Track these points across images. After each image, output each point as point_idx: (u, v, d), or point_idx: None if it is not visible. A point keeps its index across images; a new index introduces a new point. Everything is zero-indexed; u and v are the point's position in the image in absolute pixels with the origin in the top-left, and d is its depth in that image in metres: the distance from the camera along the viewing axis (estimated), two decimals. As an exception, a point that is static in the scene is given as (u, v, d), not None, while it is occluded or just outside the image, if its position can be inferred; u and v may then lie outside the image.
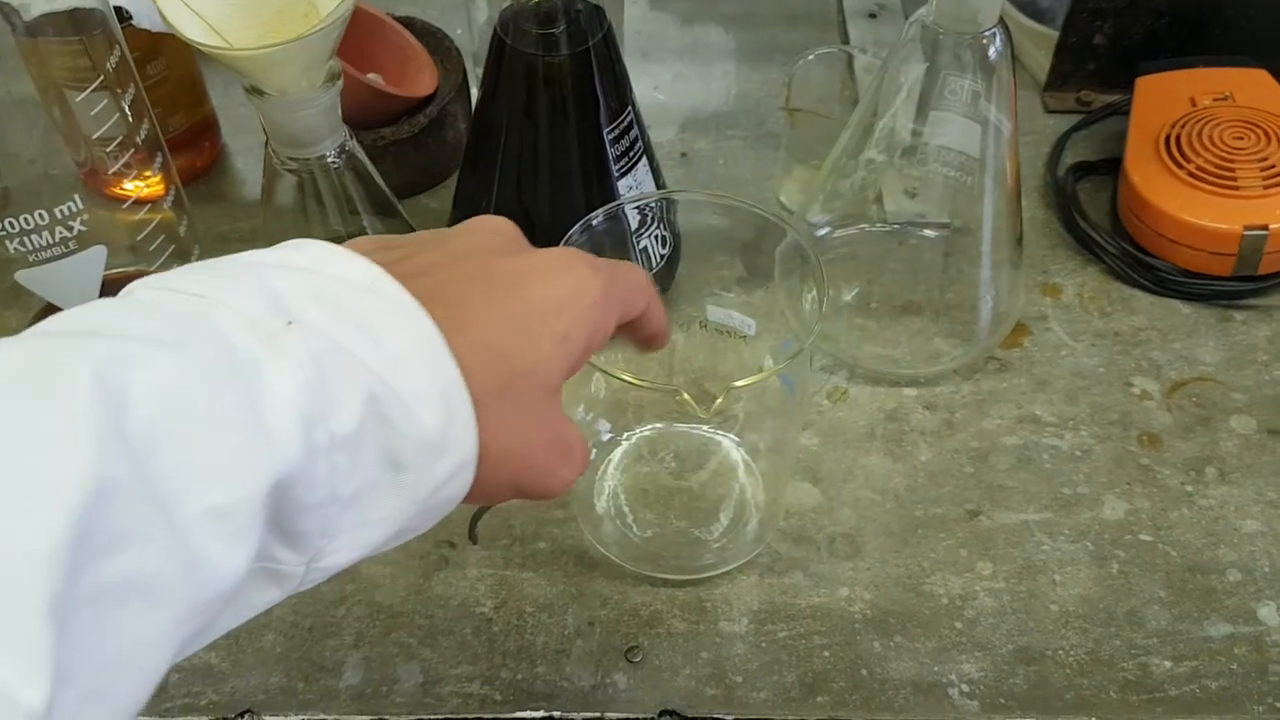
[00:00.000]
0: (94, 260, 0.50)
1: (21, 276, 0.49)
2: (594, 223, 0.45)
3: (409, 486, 0.29)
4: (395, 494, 0.29)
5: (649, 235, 0.53)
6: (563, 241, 0.44)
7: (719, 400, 0.40)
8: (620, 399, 0.51)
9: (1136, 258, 0.61)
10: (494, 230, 0.35)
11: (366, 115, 0.63)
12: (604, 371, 0.41)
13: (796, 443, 0.53)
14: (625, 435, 0.53)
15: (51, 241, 0.48)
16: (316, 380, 0.27)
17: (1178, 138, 0.61)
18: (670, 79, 0.74)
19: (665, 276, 0.57)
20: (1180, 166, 0.60)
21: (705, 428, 0.53)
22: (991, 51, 0.48)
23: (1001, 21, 0.48)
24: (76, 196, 0.48)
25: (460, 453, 0.30)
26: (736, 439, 0.53)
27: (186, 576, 0.25)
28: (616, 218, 0.48)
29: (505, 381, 0.31)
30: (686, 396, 0.40)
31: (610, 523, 0.51)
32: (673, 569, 0.49)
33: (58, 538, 0.22)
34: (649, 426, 0.53)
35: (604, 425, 0.52)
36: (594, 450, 0.52)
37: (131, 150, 0.50)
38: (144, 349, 0.25)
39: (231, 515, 0.25)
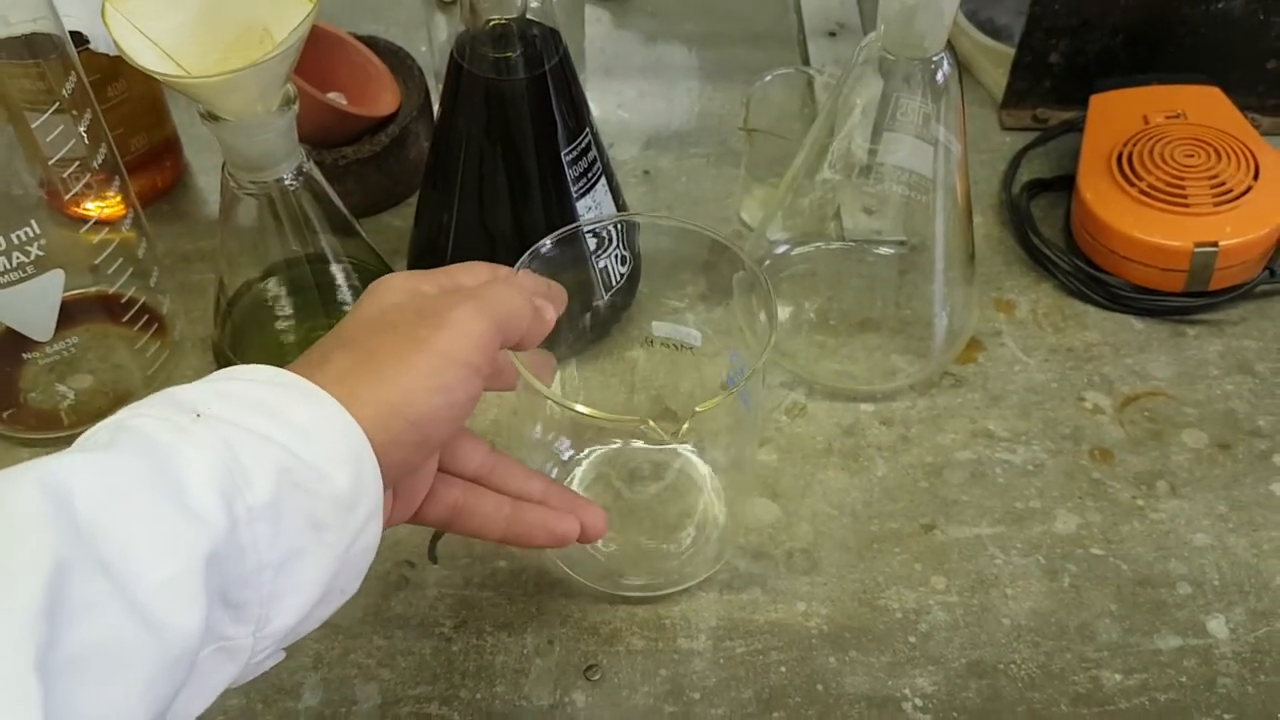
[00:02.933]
0: (52, 284, 0.50)
1: (-22, 301, 0.49)
2: (543, 250, 0.46)
3: (331, 545, 0.33)
4: (320, 553, 0.33)
5: (608, 255, 0.54)
6: (516, 266, 0.44)
7: (684, 426, 0.40)
8: (578, 419, 0.52)
9: (1089, 274, 0.62)
10: (393, 297, 0.39)
11: (328, 134, 0.63)
12: (566, 406, 0.42)
13: (755, 458, 0.53)
14: (585, 453, 0.53)
15: (8, 266, 0.48)
16: (230, 459, 0.31)
17: (1130, 155, 0.62)
18: (634, 97, 0.75)
19: (626, 294, 0.57)
20: (1132, 184, 0.61)
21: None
22: (939, 75, 0.49)
23: (949, 46, 0.49)
24: (34, 221, 0.48)
25: (370, 502, 0.34)
26: (696, 456, 0.54)
27: (148, 639, 0.28)
28: (573, 240, 0.48)
29: (399, 433, 0.35)
30: (653, 424, 0.40)
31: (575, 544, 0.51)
32: (635, 586, 0.50)
33: (34, 604, 0.25)
34: (609, 445, 0.54)
35: (564, 444, 0.53)
36: (554, 470, 0.53)
37: (90, 173, 0.50)
38: (77, 456, 0.29)
39: (179, 584, 0.28)
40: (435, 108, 0.68)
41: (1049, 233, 0.64)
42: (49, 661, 0.25)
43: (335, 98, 0.63)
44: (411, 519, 0.42)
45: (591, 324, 0.56)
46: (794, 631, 0.49)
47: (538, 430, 0.50)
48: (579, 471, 0.53)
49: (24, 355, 0.53)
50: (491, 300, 0.38)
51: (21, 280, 0.49)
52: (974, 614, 0.49)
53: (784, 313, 0.60)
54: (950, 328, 0.56)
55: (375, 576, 0.50)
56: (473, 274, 0.41)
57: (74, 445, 0.31)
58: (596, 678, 0.47)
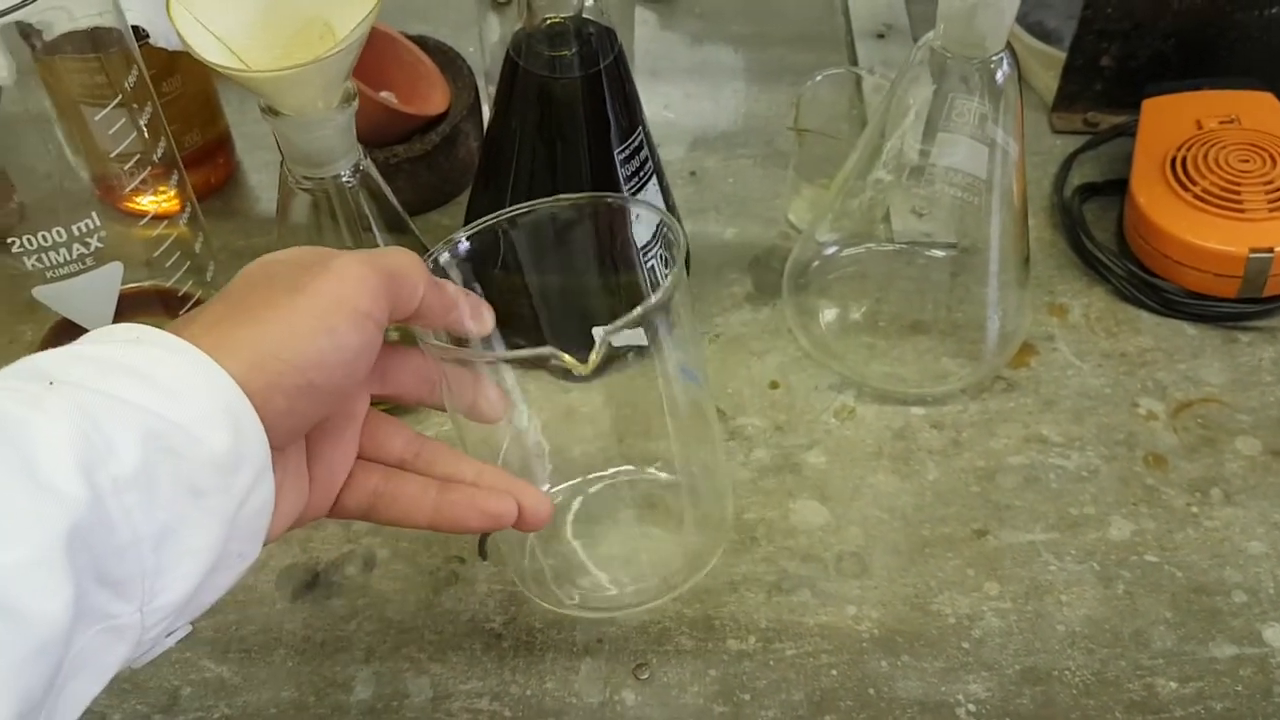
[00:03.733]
0: (110, 276, 0.50)
1: (39, 293, 0.49)
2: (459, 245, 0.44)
3: (214, 510, 0.31)
4: (202, 520, 0.30)
5: (655, 256, 0.53)
6: (426, 255, 0.43)
7: (594, 354, 0.38)
8: (544, 447, 0.49)
9: (1143, 279, 0.61)
10: (279, 256, 0.37)
11: (379, 133, 0.63)
12: (481, 356, 0.39)
13: (721, 464, 0.50)
14: (548, 488, 0.50)
15: (69, 258, 0.48)
16: (89, 427, 0.28)
17: (1184, 160, 0.62)
18: (680, 98, 0.75)
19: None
20: (1186, 189, 0.60)
21: (633, 468, 0.51)
22: (999, 75, 0.49)
23: (1008, 46, 0.49)
24: (94, 213, 0.48)
25: (255, 462, 0.32)
26: (664, 471, 0.51)
27: (6, 628, 0.26)
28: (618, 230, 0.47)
29: (278, 376, 0.32)
30: (565, 356, 0.38)
31: (573, 585, 0.48)
32: (612, 603, 0.48)
33: None
34: (574, 480, 0.51)
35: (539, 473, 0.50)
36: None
37: (148, 167, 0.50)
38: None
39: (35, 567, 0.26)
40: (485, 108, 0.68)
41: (1101, 237, 0.64)
42: None
43: (387, 96, 0.64)
44: (331, 511, 0.39)
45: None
46: (844, 635, 0.48)
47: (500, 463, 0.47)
48: (569, 516, 0.50)
49: (82, 347, 0.54)
50: (377, 254, 0.36)
51: (81, 272, 0.49)
52: (1028, 620, 0.49)
53: (831, 314, 0.60)
54: (1003, 331, 0.56)
55: (426, 572, 0.51)
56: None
57: None
58: (645, 676, 0.47)
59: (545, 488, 0.49)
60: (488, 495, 0.39)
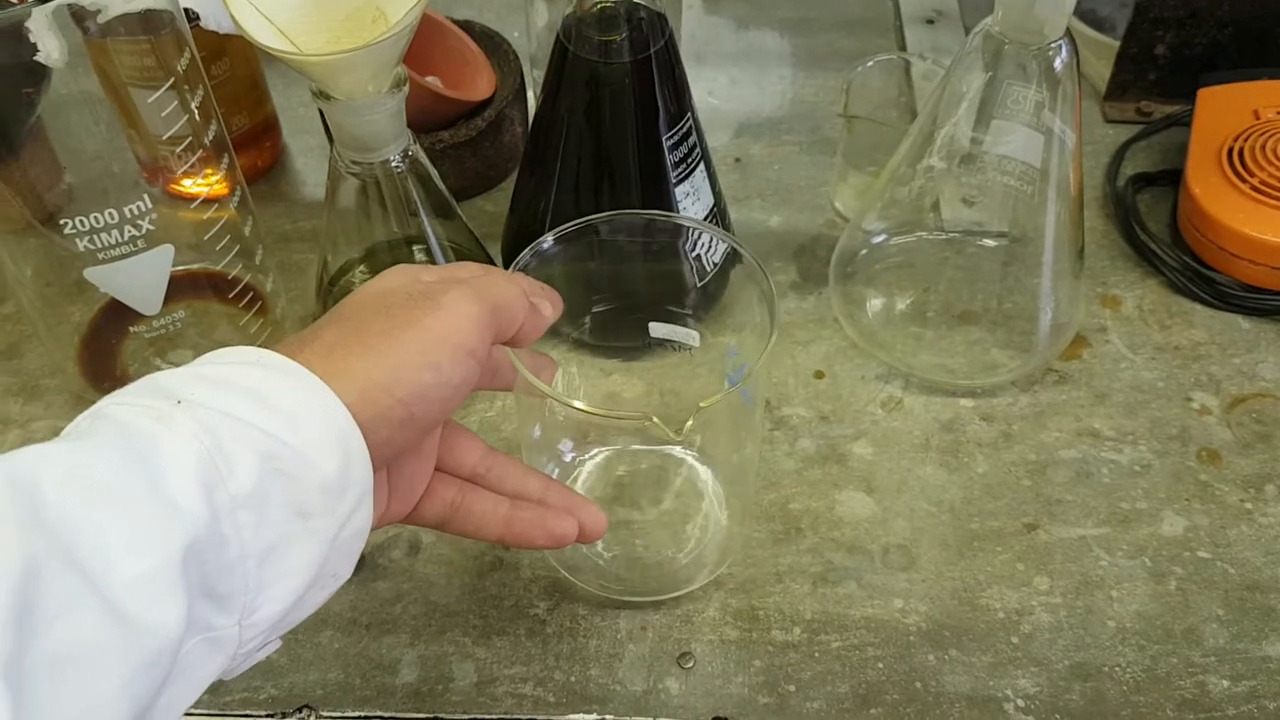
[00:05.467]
0: (162, 258, 0.50)
1: (90, 274, 0.50)
2: (544, 246, 0.45)
3: (318, 531, 0.32)
4: (306, 540, 0.32)
5: (702, 247, 0.53)
6: (513, 265, 0.44)
7: (689, 423, 0.39)
8: (580, 419, 0.50)
9: (1197, 271, 0.60)
10: (389, 282, 0.38)
11: (425, 118, 0.63)
12: (566, 404, 0.40)
13: (756, 459, 0.51)
14: (588, 455, 0.52)
15: (120, 240, 0.49)
16: (212, 447, 0.29)
17: (1240, 151, 0.60)
18: (725, 84, 0.74)
19: (719, 283, 0.57)
20: (1243, 180, 0.59)
21: (666, 448, 0.53)
22: (1057, 63, 0.48)
23: (1067, 32, 0.48)
24: (145, 195, 0.49)
25: (359, 487, 0.33)
26: (698, 459, 0.52)
27: (124, 638, 0.27)
28: (669, 232, 0.48)
29: (385, 409, 0.34)
30: (657, 420, 0.39)
31: (575, 547, 0.49)
32: (640, 590, 0.49)
33: (1, 612, 0.25)
34: (611, 447, 0.53)
35: (566, 445, 0.52)
36: (555, 471, 0.52)
37: (200, 150, 0.51)
38: (48, 449, 0.28)
39: (154, 580, 0.28)
40: (530, 94, 0.68)
41: (1155, 228, 0.63)
42: (23, 666, 0.25)
43: (432, 81, 0.63)
44: (407, 518, 0.41)
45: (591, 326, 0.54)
46: (891, 628, 0.48)
47: (537, 431, 0.49)
48: (581, 473, 0.52)
49: (130, 328, 0.54)
50: (486, 286, 0.37)
51: (133, 254, 0.49)
52: (1078, 616, 0.48)
53: (878, 303, 0.59)
54: (1055, 322, 0.55)
55: (470, 556, 0.51)
56: (469, 270, 0.40)
57: (60, 435, 0.31)
58: (689, 665, 0.47)
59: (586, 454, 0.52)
60: (555, 517, 0.41)
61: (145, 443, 0.29)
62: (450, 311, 0.36)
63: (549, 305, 0.41)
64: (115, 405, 0.31)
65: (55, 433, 0.55)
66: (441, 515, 0.41)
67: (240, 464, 0.30)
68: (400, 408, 0.34)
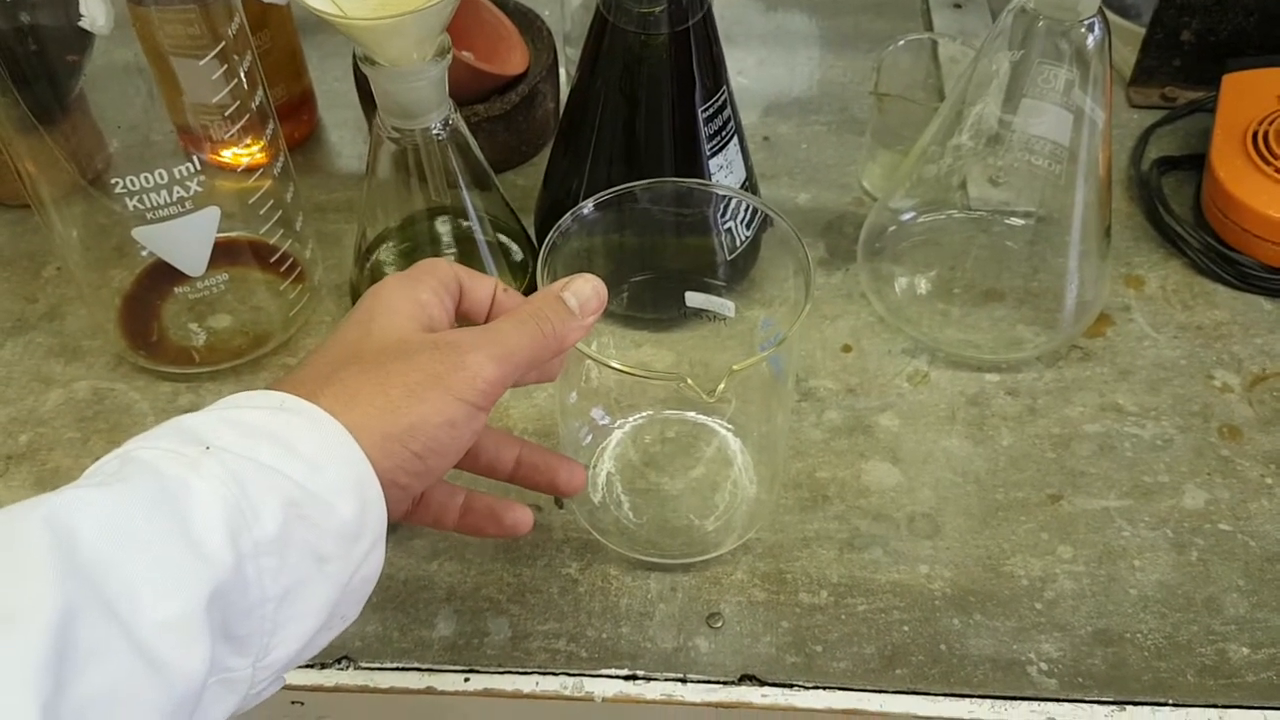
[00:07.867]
0: (208, 220, 0.51)
1: (138, 233, 0.51)
2: (584, 212, 0.46)
3: (332, 575, 0.33)
4: (321, 584, 0.33)
5: (732, 219, 0.54)
6: (550, 234, 0.45)
7: (721, 385, 0.40)
8: (614, 385, 0.52)
9: (1220, 252, 0.61)
10: (401, 318, 0.38)
11: (460, 91, 0.64)
12: (605, 364, 0.42)
13: (786, 425, 0.52)
14: (621, 421, 0.54)
15: (169, 200, 0.50)
16: (238, 493, 0.31)
17: (1265, 134, 0.61)
18: (754, 64, 0.75)
19: (748, 258, 0.58)
20: (1267, 163, 0.60)
21: (697, 415, 0.54)
22: (1090, 41, 0.49)
23: (1100, 10, 0.49)
24: (195, 158, 0.50)
25: (373, 533, 0.34)
26: (727, 428, 0.54)
27: (152, 682, 0.28)
28: (703, 203, 0.49)
29: (403, 462, 0.35)
30: (690, 382, 0.40)
31: (606, 510, 0.51)
32: (668, 553, 0.50)
33: (40, 653, 0.25)
34: (643, 414, 0.54)
35: (599, 411, 0.53)
36: (589, 436, 0.53)
37: (246, 116, 0.52)
38: (84, 492, 0.29)
39: (181, 624, 0.29)
40: (563, 70, 0.69)
41: (1179, 210, 0.63)
42: (59, 710, 0.25)
43: (466, 56, 0.64)
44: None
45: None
46: (916, 592, 0.49)
47: (573, 396, 0.50)
48: (615, 438, 0.53)
49: (175, 290, 0.55)
50: (509, 346, 0.38)
51: (181, 214, 0.50)
52: (1101, 584, 0.49)
53: (905, 280, 0.60)
54: (1080, 300, 0.56)
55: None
56: (483, 285, 0.41)
57: (83, 475, 0.32)
58: (719, 625, 0.48)
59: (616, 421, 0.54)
60: (506, 507, 0.43)
61: (175, 488, 0.30)
62: (472, 375, 0.36)
63: (589, 319, 0.40)
64: (145, 449, 0.32)
65: (95, 392, 0.56)
66: (403, 509, 0.41)
67: (265, 509, 0.31)
68: (416, 460, 0.35)
